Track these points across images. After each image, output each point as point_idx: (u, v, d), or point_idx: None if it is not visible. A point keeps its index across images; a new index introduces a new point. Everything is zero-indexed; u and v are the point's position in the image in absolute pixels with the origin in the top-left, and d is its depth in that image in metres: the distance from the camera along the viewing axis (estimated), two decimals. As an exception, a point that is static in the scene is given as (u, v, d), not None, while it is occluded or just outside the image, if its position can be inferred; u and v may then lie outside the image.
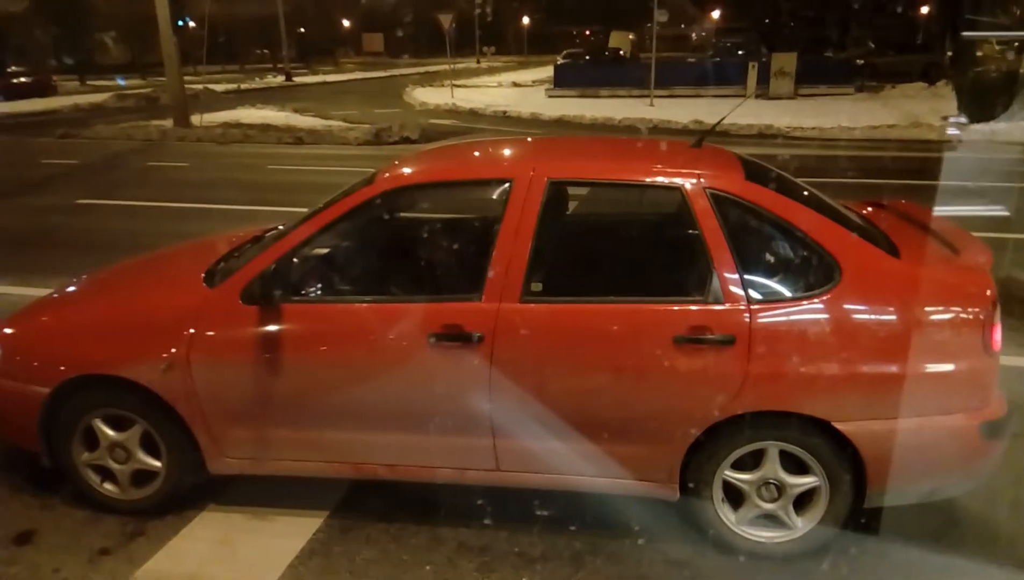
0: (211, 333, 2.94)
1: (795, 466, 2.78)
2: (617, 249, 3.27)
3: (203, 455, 3.07)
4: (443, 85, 30.83)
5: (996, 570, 2.79)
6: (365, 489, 3.26)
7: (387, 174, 3.10)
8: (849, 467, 2.71)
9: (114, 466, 3.13)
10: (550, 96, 25.77)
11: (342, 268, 3.11)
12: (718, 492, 2.85)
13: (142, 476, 3.14)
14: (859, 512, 2.80)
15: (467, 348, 2.78)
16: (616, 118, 19.19)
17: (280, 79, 39.02)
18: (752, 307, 2.67)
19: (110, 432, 3.09)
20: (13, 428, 3.22)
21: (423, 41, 64.10)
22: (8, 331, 3.23)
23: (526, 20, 66.98)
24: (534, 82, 33.40)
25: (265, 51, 57.20)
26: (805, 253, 2.75)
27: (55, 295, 3.53)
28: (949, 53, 24.78)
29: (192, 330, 2.94)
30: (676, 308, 2.73)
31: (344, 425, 2.96)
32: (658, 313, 2.73)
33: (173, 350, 2.93)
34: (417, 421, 2.88)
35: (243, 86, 33.10)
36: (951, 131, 15.41)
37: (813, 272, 2.72)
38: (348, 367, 2.90)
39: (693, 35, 52.95)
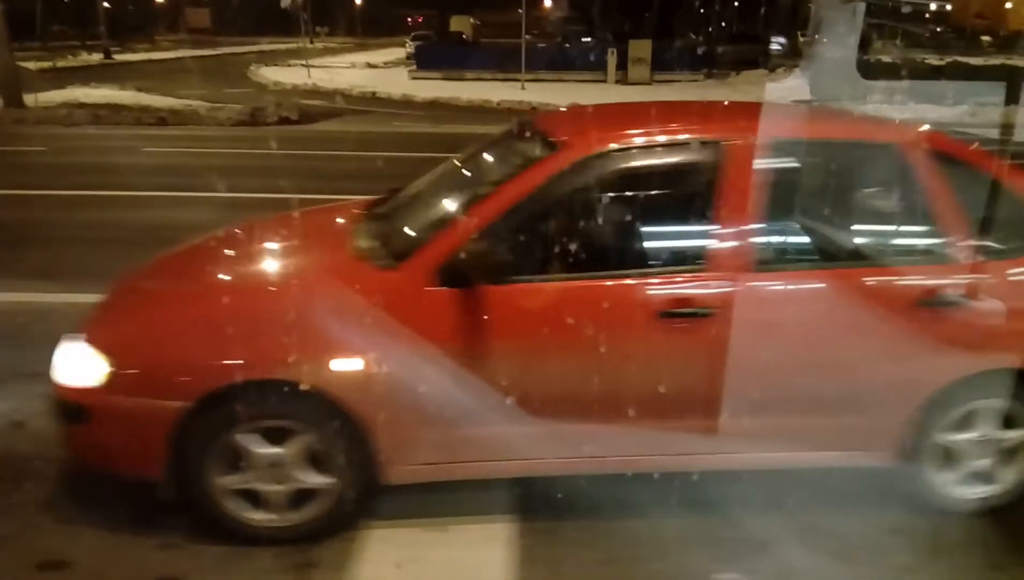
0: (402, 321, 2.51)
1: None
2: (839, 213, 3.13)
3: (381, 465, 2.63)
4: (288, 65, 29.26)
5: None
6: (536, 489, 2.94)
7: (585, 137, 2.78)
8: None
9: (268, 488, 2.60)
10: (414, 78, 25.22)
11: (547, 243, 2.73)
12: (934, 455, 2.83)
13: (299, 497, 2.64)
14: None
15: (698, 323, 2.56)
16: (494, 100, 19.14)
17: (97, 57, 35.24)
18: (985, 266, 2.66)
19: (264, 449, 2.56)
20: (125, 456, 2.60)
21: (250, 19, 60.43)
22: (115, 340, 2.61)
23: (358, 1, 64.91)
24: (386, 64, 32.56)
25: (64, 28, 51.25)
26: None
27: (139, 292, 2.89)
28: (782, 42, 27.02)
29: (374, 318, 2.50)
30: (914, 272, 2.67)
31: (556, 416, 2.63)
32: (898, 278, 2.65)
33: (352, 344, 2.48)
34: (639, 407, 2.62)
35: (59, 64, 29.57)
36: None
37: None
38: (566, 353, 2.58)
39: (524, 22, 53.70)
